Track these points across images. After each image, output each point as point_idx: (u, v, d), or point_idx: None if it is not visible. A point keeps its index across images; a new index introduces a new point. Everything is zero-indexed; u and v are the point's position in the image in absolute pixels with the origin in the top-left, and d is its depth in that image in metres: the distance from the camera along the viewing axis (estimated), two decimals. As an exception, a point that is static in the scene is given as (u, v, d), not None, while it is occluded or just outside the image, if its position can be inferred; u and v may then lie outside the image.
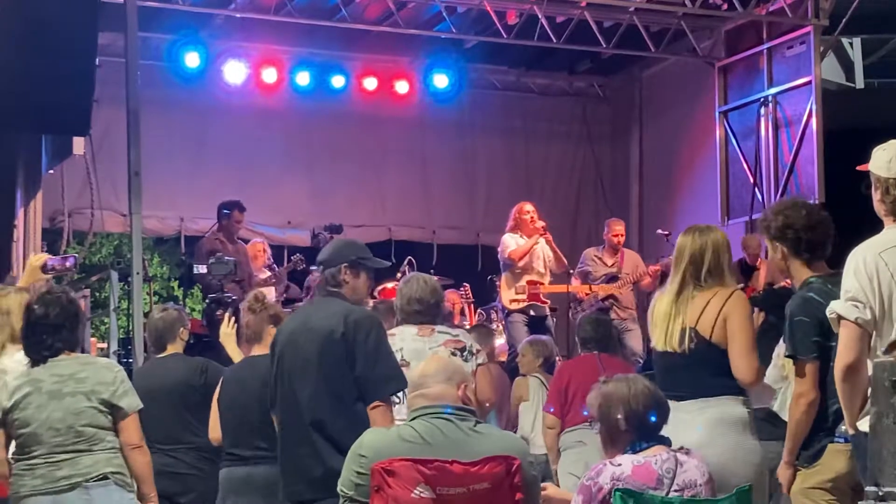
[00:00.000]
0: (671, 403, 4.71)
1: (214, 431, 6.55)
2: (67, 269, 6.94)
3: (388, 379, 5.26)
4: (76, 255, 7.58)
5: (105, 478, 5.46)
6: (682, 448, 4.46)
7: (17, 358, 5.75)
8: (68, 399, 5.45)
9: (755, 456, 5.08)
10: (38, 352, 5.53)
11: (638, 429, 4.39)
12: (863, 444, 4.17)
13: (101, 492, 5.44)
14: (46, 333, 5.51)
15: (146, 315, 8.86)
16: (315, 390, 5.24)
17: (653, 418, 4.44)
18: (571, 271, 11.81)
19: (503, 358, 11.10)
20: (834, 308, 4.19)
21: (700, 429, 4.93)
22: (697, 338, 5.07)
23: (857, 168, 4.49)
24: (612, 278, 11.89)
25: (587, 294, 11.77)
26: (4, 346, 5.93)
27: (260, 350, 6.40)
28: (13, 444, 5.49)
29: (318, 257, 5.70)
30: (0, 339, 5.93)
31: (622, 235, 12.22)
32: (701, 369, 5.07)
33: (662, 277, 11.82)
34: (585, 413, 6.16)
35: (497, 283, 11.85)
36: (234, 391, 6.41)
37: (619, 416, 4.37)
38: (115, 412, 5.52)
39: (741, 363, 5.04)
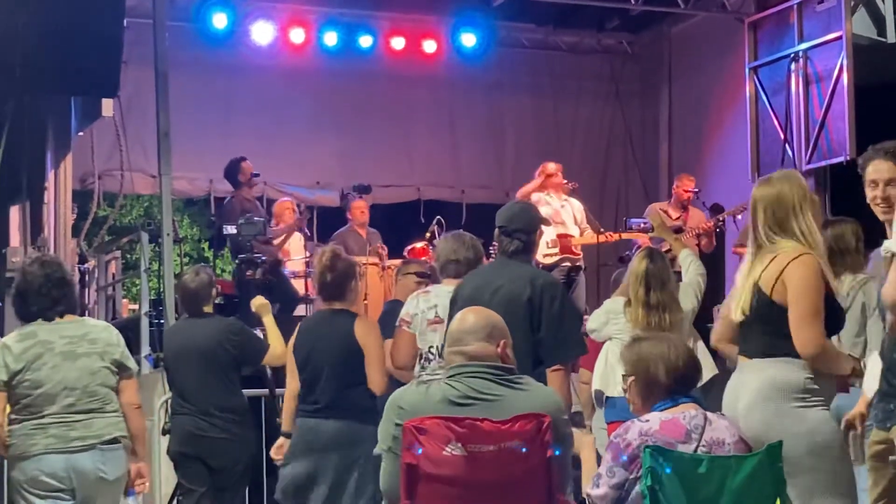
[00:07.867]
0: (743, 361, 4.56)
1: (293, 381, 6.47)
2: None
3: (573, 344, 5.54)
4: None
5: (116, 441, 5.53)
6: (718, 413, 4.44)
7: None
8: (83, 359, 5.49)
9: (797, 425, 4.41)
10: (51, 308, 5.51)
11: (677, 383, 4.37)
12: None
13: (112, 455, 5.51)
14: (56, 289, 5.51)
15: (177, 276, 8.91)
16: None
17: (690, 376, 4.43)
18: (602, 230, 11.74)
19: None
20: (889, 247, 4.15)
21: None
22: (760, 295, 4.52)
23: None
24: (676, 231, 10.61)
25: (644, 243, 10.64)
26: None
27: (340, 305, 6.39)
28: (18, 405, 5.46)
29: (507, 222, 5.73)
30: None
31: (692, 192, 12.02)
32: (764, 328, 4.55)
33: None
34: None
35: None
36: (309, 345, 6.36)
37: (661, 372, 4.36)
38: (122, 372, 5.60)
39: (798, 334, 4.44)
